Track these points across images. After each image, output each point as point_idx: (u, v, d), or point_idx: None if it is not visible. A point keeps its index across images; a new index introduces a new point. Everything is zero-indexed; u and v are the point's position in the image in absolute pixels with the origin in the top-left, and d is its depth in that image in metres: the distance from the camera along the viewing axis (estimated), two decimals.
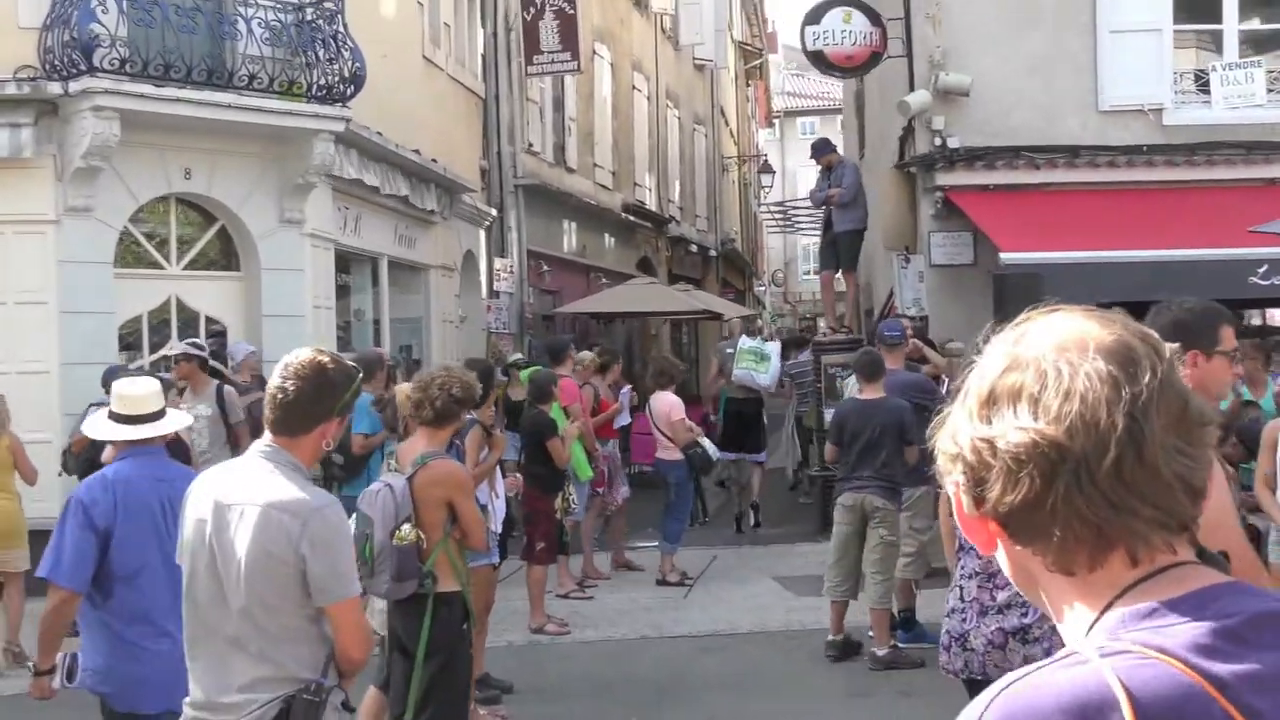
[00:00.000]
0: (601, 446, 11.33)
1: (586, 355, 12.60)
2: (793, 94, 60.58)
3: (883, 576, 8.72)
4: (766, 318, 40.96)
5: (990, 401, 1.32)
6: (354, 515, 6.47)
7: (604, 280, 23.80)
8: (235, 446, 9.66)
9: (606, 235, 24.96)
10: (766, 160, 37.84)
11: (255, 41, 12.26)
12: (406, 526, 5.41)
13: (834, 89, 62.25)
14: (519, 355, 15.09)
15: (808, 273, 61.08)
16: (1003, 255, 11.58)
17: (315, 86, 12.63)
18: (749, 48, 42.06)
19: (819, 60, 13.40)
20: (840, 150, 15.44)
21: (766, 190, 37.44)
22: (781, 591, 11.13)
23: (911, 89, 12.99)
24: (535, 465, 9.57)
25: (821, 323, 53.30)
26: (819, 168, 14.30)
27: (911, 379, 9.74)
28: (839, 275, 14.14)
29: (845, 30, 13.14)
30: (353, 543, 4.15)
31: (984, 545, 1.38)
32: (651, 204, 27.53)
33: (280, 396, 3.63)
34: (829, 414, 13.06)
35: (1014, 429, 1.28)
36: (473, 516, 5.66)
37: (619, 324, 24.33)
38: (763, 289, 48.80)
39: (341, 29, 12.74)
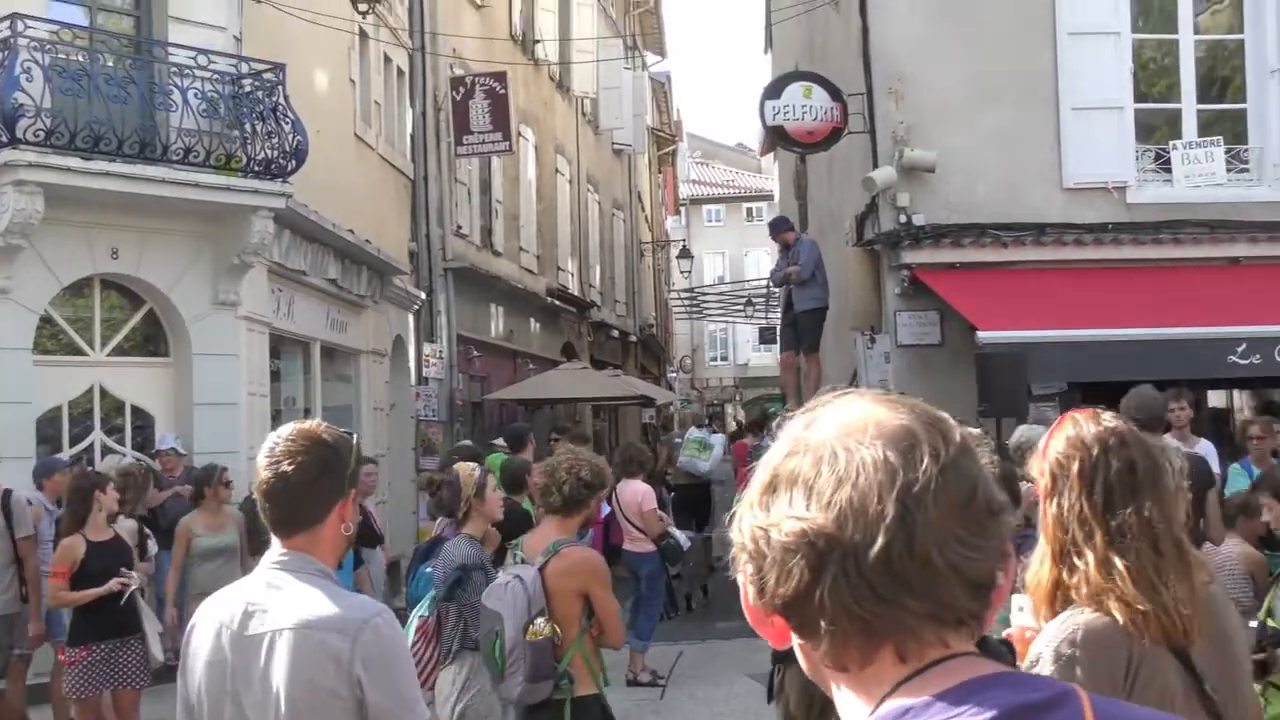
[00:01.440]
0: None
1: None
2: (698, 181, 60.95)
3: None
4: (682, 405, 40.56)
5: (770, 488, 1.29)
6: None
7: (531, 366, 23.18)
8: (21, 564, 8.75)
9: (532, 320, 24.37)
10: (685, 246, 37.59)
11: (191, 113, 11.56)
12: (541, 621, 4.79)
13: (739, 177, 63.08)
14: (467, 442, 14.33)
15: (714, 359, 61.20)
16: (980, 334, 11.21)
17: (253, 161, 11.92)
18: (661, 134, 42.05)
19: (780, 136, 13.01)
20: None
21: (686, 275, 37.20)
22: (760, 690, 10.43)
23: (875, 165, 12.65)
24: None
25: (729, 409, 53.01)
26: (778, 247, 13.83)
27: None
28: (801, 356, 13.63)
29: (806, 105, 12.79)
30: (412, 658, 3.45)
31: (774, 638, 1.31)
32: (574, 288, 27.06)
33: (280, 485, 2.91)
34: None
35: (787, 517, 1.25)
36: (612, 610, 5.07)
37: (545, 409, 23.65)
38: (673, 374, 48.45)
39: (282, 101, 12.08)
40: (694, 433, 15.73)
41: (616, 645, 5.35)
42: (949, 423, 1.30)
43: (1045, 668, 2.44)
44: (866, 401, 1.31)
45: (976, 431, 1.46)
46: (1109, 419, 2.69)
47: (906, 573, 1.21)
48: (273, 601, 2.90)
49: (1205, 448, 9.17)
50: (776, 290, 37.95)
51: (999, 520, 1.27)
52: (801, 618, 1.26)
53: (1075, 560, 2.56)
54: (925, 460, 1.24)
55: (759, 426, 17.14)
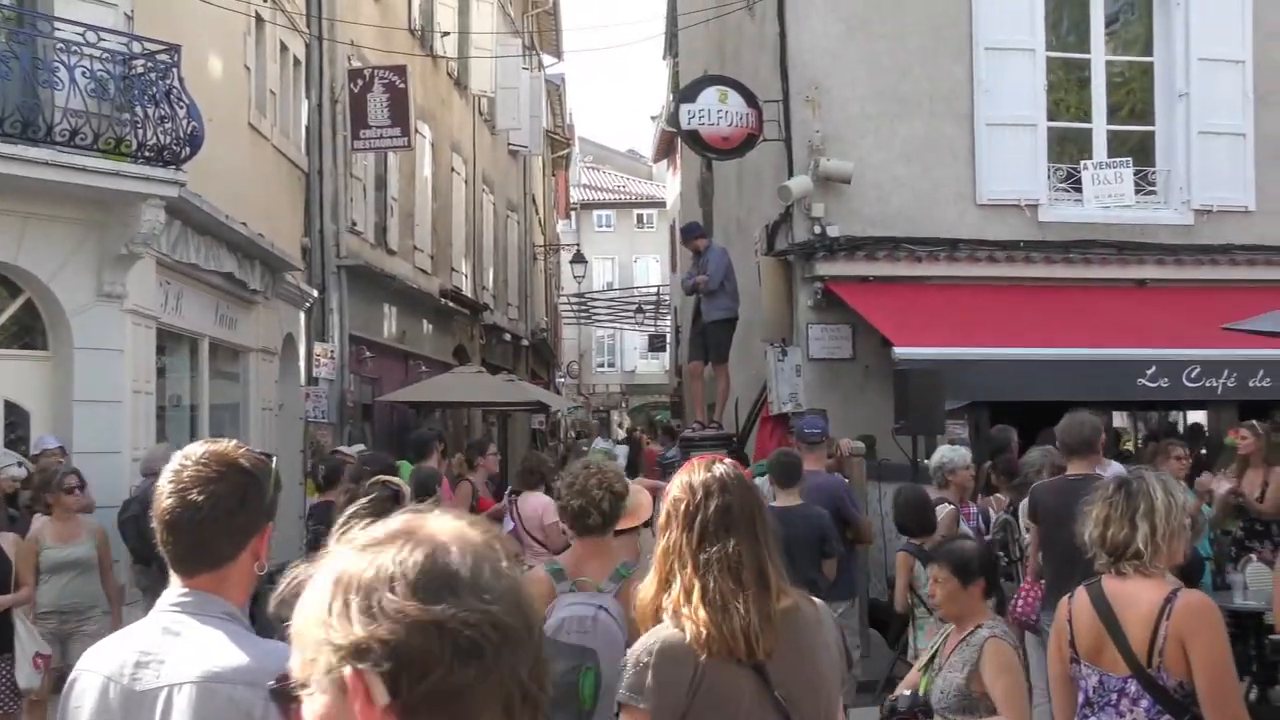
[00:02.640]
0: None
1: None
2: (589, 186, 60.64)
3: None
4: (570, 411, 40.22)
5: (427, 585, 1.28)
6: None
7: (423, 368, 22.62)
8: None
9: (425, 321, 23.80)
10: (579, 250, 37.19)
11: (79, 93, 10.87)
12: None
13: (630, 183, 62.95)
14: (361, 446, 13.81)
15: (601, 365, 60.93)
16: (896, 350, 11.07)
17: (145, 146, 11.28)
18: (555, 137, 41.66)
19: (694, 140, 12.75)
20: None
21: (579, 280, 36.84)
22: None
23: (790, 174, 12.47)
24: None
25: (615, 415, 52.85)
26: (690, 253, 13.51)
27: (832, 483, 8.95)
28: (708, 366, 13.33)
29: (721, 110, 12.54)
30: None
31: None
32: (468, 290, 26.53)
33: (187, 516, 2.47)
34: None
35: (460, 610, 1.26)
36: None
37: (435, 413, 23.12)
38: (561, 380, 48.05)
39: (176, 84, 11.45)
40: (599, 443, 15.49)
41: None
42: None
43: (629, 669, 2.93)
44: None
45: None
46: (719, 467, 3.10)
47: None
48: (170, 650, 2.43)
49: (1115, 470, 9.09)
50: (667, 298, 37.73)
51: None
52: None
53: (671, 586, 2.99)
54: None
55: (670, 435, 16.90)
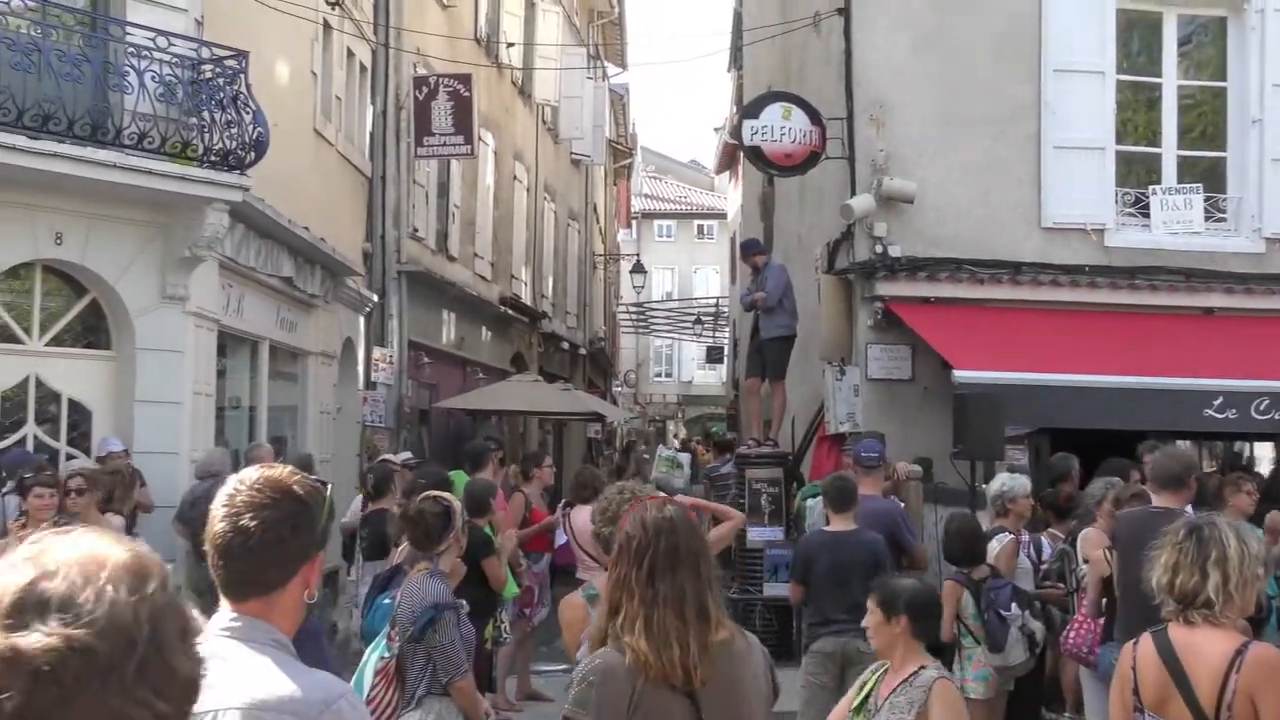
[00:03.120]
0: (533, 562, 10.18)
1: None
2: (650, 196, 60.69)
3: None
4: (627, 421, 40.20)
5: (17, 610, 1.32)
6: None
7: (480, 375, 22.72)
8: None
9: (483, 328, 23.89)
10: (639, 260, 37.19)
11: (147, 97, 10.99)
12: None
13: (691, 194, 62.94)
14: (408, 454, 13.83)
15: (659, 375, 60.91)
16: (956, 374, 10.93)
17: (211, 151, 11.39)
18: (618, 146, 41.70)
19: (756, 157, 12.67)
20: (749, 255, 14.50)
21: (638, 290, 36.84)
22: None
23: (853, 192, 12.36)
24: (468, 588, 8.37)
25: (671, 425, 52.89)
26: (749, 268, 13.43)
27: (887, 508, 8.84)
28: (765, 383, 13.24)
29: (785, 127, 12.46)
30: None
31: None
32: (527, 298, 26.60)
33: (239, 541, 2.47)
34: (754, 534, 12.21)
35: (43, 635, 1.30)
36: None
37: (491, 420, 23.18)
38: (618, 389, 48.08)
39: (243, 90, 11.56)
40: (664, 451, 15.93)
41: None
42: (158, 561, 1.48)
43: (575, 686, 3.25)
44: (93, 538, 1.44)
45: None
46: (669, 509, 3.43)
47: (159, 680, 1.38)
48: (218, 676, 2.38)
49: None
50: (725, 309, 37.69)
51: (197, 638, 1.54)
52: None
53: (619, 614, 3.28)
54: (154, 585, 1.42)
55: (720, 449, 16.88)
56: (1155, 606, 3.93)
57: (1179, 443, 12.48)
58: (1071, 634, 7.62)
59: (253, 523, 2.46)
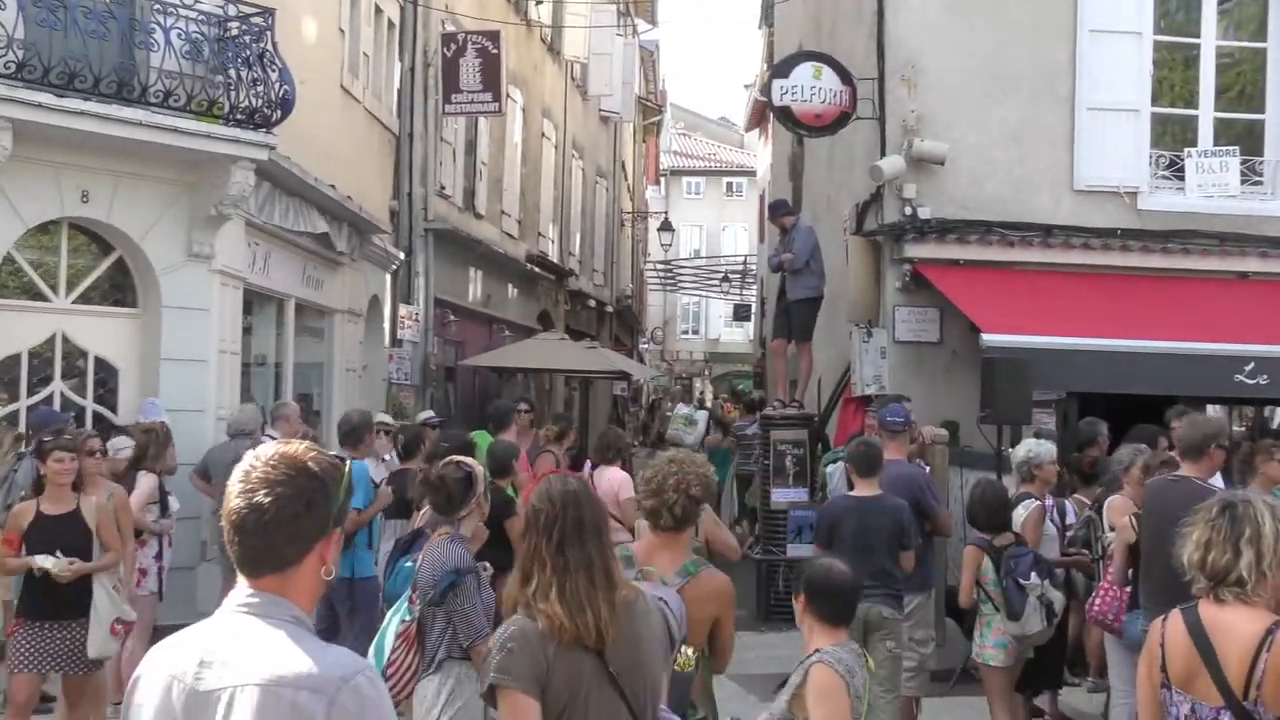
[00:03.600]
0: None
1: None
2: (679, 153, 60.39)
3: (894, 694, 7.73)
4: (653, 379, 40.19)
5: None
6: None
7: (506, 333, 22.71)
8: None
9: (510, 286, 23.85)
10: (667, 218, 37.02)
11: (173, 54, 10.93)
12: (690, 651, 4.43)
13: (721, 151, 62.56)
14: (430, 413, 13.84)
15: (685, 332, 60.83)
16: (984, 337, 10.84)
17: (237, 109, 11.34)
18: (648, 103, 41.44)
19: (786, 117, 12.54)
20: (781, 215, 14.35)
21: (666, 248, 36.70)
22: (745, 695, 10.07)
23: (883, 153, 12.24)
24: (490, 550, 8.37)
25: (698, 383, 52.90)
26: (778, 230, 13.32)
27: (912, 473, 8.78)
28: (791, 345, 13.16)
29: (815, 87, 12.32)
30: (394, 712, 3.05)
31: None
32: (554, 256, 26.54)
33: (253, 518, 2.46)
34: (778, 495, 12.18)
35: None
36: (732, 636, 4.78)
37: (517, 378, 23.20)
38: (645, 346, 48.05)
39: (270, 47, 11.49)
40: (681, 409, 16.21)
41: (723, 671, 5.08)
42: None
43: (495, 654, 3.45)
44: None
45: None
46: (572, 483, 3.73)
47: None
48: (235, 651, 2.43)
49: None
50: (754, 267, 37.52)
51: None
52: None
53: (530, 582, 3.52)
54: None
55: (748, 409, 16.96)
56: (1180, 576, 3.88)
57: (1210, 409, 12.42)
58: (1097, 601, 7.57)
59: (267, 499, 2.46)
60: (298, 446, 2.59)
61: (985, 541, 7.69)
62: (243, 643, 2.44)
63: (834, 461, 10.14)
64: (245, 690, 2.38)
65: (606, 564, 3.55)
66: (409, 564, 6.40)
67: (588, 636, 3.41)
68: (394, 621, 5.59)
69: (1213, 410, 14.00)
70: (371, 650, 5.60)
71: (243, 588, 2.51)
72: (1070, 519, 9.02)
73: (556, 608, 3.43)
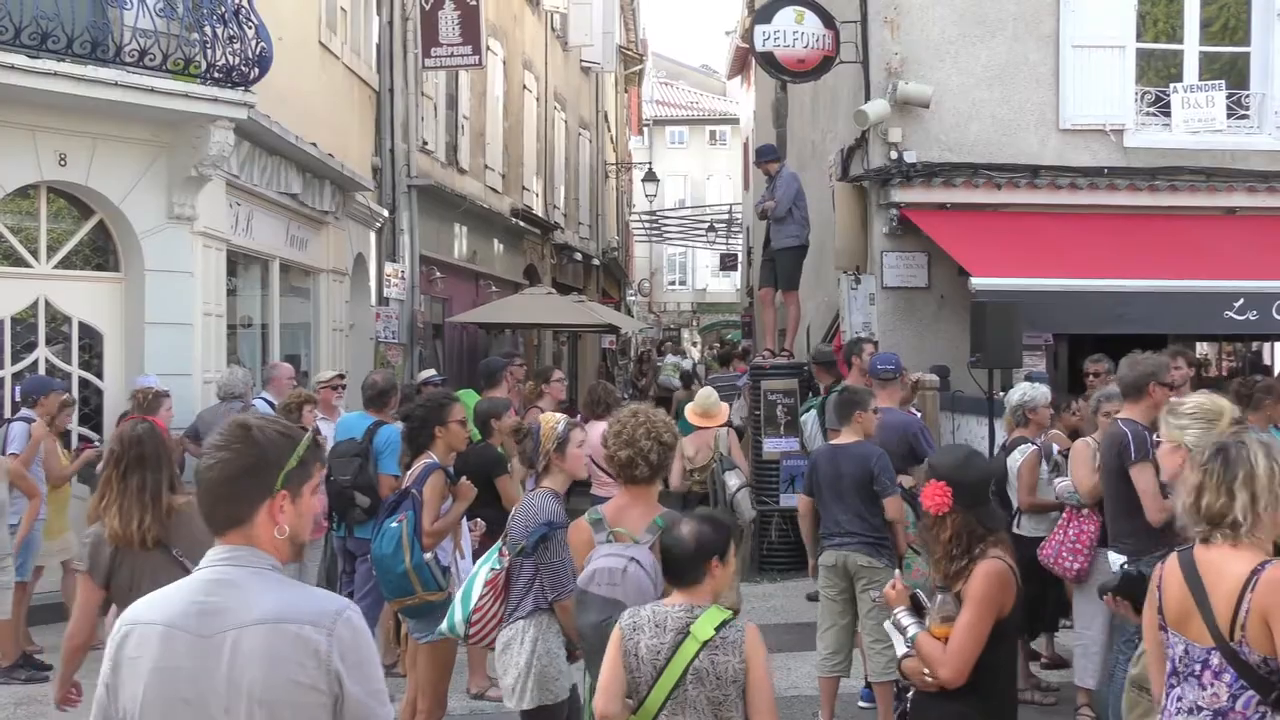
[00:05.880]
0: None
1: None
2: (661, 102, 60.02)
3: (883, 645, 7.71)
4: (640, 332, 40.16)
5: None
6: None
7: (493, 288, 22.62)
8: None
9: (496, 241, 23.72)
10: (651, 169, 36.82)
11: (147, 12, 10.76)
12: None
13: (703, 99, 62.19)
14: (431, 371, 13.78)
15: (672, 283, 60.72)
16: (974, 281, 10.79)
17: (214, 67, 11.19)
18: (629, 53, 41.13)
19: (769, 63, 12.43)
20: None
21: (651, 199, 36.53)
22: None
23: (867, 98, 12.15)
24: (481, 508, 8.33)
25: (686, 334, 52.83)
26: (764, 177, 13.20)
27: (905, 420, 8.74)
28: (778, 293, 13.09)
29: (798, 32, 12.21)
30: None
31: None
32: (538, 209, 26.38)
33: (204, 478, 2.75)
34: (770, 445, 12.17)
35: None
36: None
37: (505, 333, 23.14)
38: (632, 298, 47.95)
39: (245, 3, 11.33)
40: (670, 358, 17.74)
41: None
42: None
43: (85, 547, 5.03)
44: None
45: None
46: (141, 427, 5.14)
47: None
48: (230, 597, 2.64)
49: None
50: (739, 216, 37.41)
51: None
52: None
53: (104, 500, 4.92)
54: None
55: (725, 362, 16.98)
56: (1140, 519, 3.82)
57: (1200, 345, 12.41)
58: (1047, 548, 7.56)
59: (213, 462, 2.72)
60: (249, 417, 2.88)
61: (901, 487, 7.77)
62: (234, 589, 2.65)
63: (808, 412, 10.12)
64: (249, 630, 2.58)
65: (159, 487, 4.86)
66: (394, 524, 6.38)
67: (133, 540, 4.77)
68: (483, 570, 5.59)
69: (1203, 348, 14.03)
70: (458, 597, 5.63)
71: (218, 545, 2.73)
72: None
73: (114, 520, 4.82)
